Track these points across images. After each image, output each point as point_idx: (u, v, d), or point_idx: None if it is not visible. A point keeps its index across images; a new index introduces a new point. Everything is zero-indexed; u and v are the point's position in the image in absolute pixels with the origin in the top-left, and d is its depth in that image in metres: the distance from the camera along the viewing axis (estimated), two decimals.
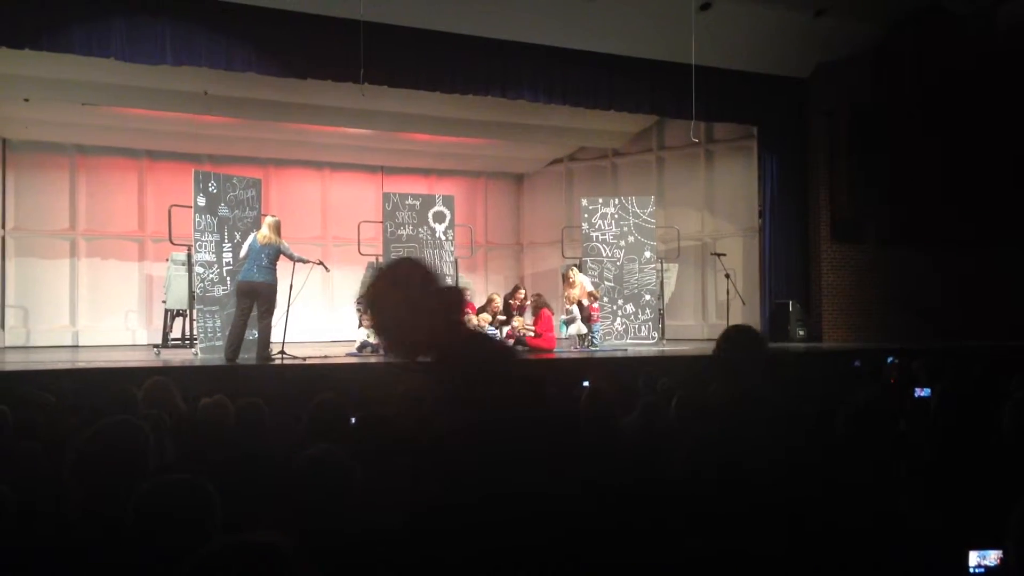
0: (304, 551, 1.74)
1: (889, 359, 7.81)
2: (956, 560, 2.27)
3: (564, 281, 12.75)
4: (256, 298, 9.44)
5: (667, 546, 2.45)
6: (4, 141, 14.10)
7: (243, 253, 9.73)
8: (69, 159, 14.51)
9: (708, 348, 12.31)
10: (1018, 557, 1.65)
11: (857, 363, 8.38)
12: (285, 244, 9.67)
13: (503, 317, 12.36)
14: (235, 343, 9.38)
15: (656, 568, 2.42)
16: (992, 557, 2.26)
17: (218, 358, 9.74)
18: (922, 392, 5.27)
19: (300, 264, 9.83)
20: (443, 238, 13.60)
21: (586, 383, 5.65)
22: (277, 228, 9.62)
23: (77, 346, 13.94)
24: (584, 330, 12.52)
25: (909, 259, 13.36)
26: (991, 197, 12.59)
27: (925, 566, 2.32)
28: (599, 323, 12.90)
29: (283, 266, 9.88)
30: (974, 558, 2.27)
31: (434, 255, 13.56)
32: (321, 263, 10.24)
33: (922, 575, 2.31)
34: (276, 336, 10.14)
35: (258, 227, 11.26)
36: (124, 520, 2.38)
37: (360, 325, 11.64)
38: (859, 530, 2.47)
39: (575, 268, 12.83)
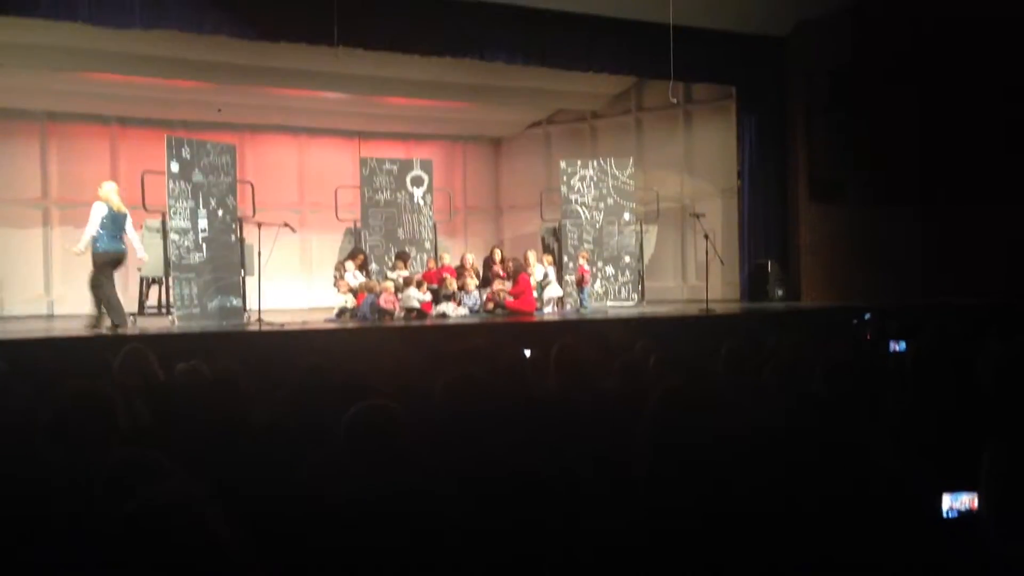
0: (233, 508, 1.74)
1: (865, 315, 7.83)
2: (930, 505, 2.28)
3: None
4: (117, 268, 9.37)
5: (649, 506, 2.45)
6: None
7: (97, 222, 9.10)
8: (39, 126, 14.24)
9: (688, 309, 12.32)
10: (989, 499, 1.66)
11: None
12: None
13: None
14: (118, 308, 9.21)
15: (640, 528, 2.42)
16: (965, 500, 2.27)
17: (196, 325, 9.67)
18: (897, 346, 5.29)
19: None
20: (421, 203, 13.53)
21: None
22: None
23: (52, 315, 13.79)
24: (560, 292, 12.51)
25: (887, 218, 13.40)
26: (969, 156, 12.62)
27: (899, 512, 2.32)
28: (588, 286, 12.90)
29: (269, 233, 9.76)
30: (947, 501, 2.28)
31: (412, 220, 13.50)
32: (287, 224, 10.29)
33: (895, 521, 2.32)
34: (251, 303, 10.05)
35: (233, 193, 11.15)
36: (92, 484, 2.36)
37: (339, 291, 11.57)
38: (836, 484, 2.47)
39: (531, 253, 12.76)
